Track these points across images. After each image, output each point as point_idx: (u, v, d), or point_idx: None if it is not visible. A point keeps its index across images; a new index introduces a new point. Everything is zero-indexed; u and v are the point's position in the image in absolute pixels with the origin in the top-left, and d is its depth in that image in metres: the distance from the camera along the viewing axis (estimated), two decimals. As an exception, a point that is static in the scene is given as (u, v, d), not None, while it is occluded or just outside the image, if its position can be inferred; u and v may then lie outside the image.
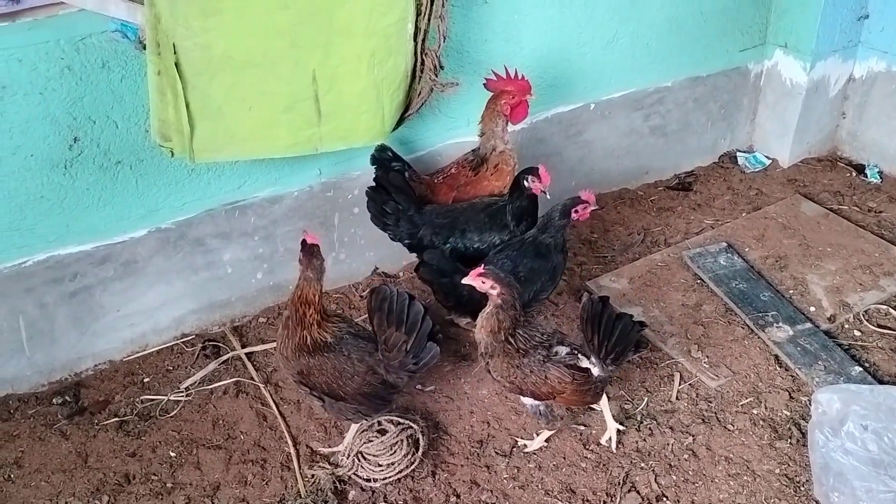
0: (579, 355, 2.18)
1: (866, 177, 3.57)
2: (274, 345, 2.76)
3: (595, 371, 2.16)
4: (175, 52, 2.13)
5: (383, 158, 2.74)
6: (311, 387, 2.22)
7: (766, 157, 3.72)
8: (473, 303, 2.35)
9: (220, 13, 2.15)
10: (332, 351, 2.19)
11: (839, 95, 3.61)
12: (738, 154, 3.75)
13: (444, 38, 2.56)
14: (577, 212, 2.47)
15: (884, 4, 3.36)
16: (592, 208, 2.49)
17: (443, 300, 2.68)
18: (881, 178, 3.55)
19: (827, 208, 3.35)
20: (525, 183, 2.56)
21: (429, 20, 2.49)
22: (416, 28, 2.49)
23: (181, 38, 2.13)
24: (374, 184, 2.69)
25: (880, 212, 3.35)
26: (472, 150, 2.85)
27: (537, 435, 2.37)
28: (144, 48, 2.17)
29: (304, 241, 2.18)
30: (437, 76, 2.58)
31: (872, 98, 3.54)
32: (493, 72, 2.72)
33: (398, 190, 2.66)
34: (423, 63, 2.55)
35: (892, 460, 2.20)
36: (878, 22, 3.41)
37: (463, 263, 2.53)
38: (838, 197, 3.46)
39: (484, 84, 2.76)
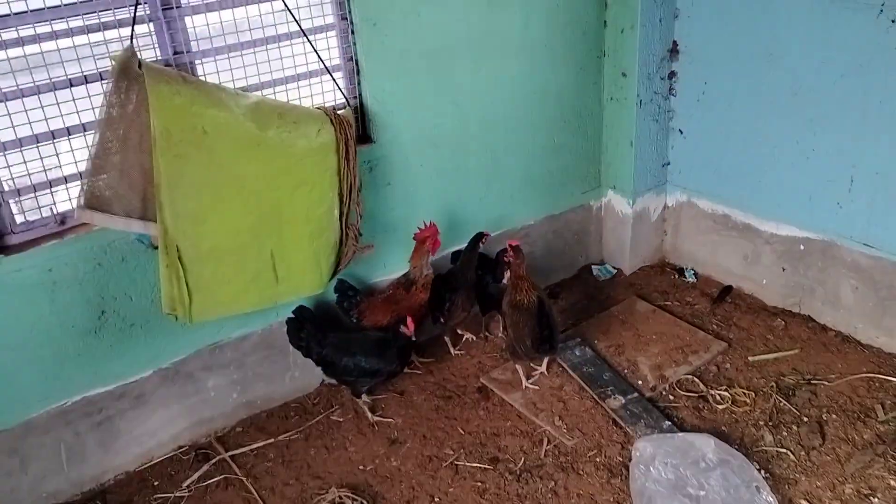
0: None
1: (685, 278, 4.77)
2: (250, 447, 3.70)
3: None
4: (178, 251, 3.15)
5: (343, 288, 3.86)
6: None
7: (614, 267, 4.90)
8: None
9: (205, 222, 3.18)
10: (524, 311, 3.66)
11: (659, 220, 4.84)
12: (592, 266, 4.92)
13: (361, 216, 3.64)
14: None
15: (678, 155, 4.63)
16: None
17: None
18: (696, 277, 4.76)
19: (655, 305, 4.52)
20: (401, 329, 3.61)
21: (349, 205, 3.58)
22: (341, 211, 3.57)
23: (181, 241, 3.15)
24: (292, 315, 3.72)
25: (694, 304, 4.53)
26: (404, 275, 3.94)
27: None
28: (155, 248, 3.18)
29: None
30: (357, 242, 3.67)
31: (682, 220, 4.78)
32: (424, 223, 3.87)
33: (308, 320, 3.70)
34: (347, 234, 3.63)
35: (683, 484, 3.23)
36: (677, 167, 4.68)
37: (354, 374, 3.67)
38: (665, 295, 4.63)
39: (414, 236, 3.87)
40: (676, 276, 4.80)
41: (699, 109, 4.42)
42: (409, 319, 3.62)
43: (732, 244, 4.53)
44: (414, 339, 3.64)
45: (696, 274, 4.77)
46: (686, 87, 4.45)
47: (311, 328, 3.69)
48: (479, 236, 4.05)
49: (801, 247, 4.16)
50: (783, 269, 4.30)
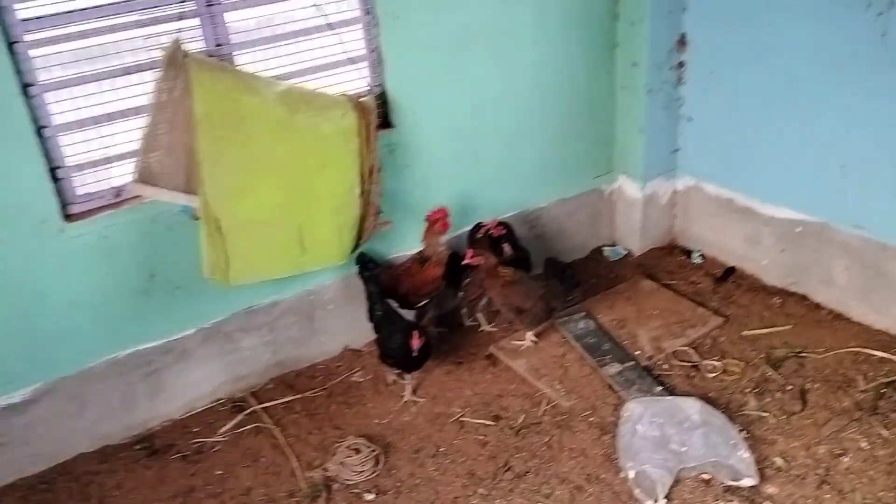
0: None
1: (693, 259, 5.02)
2: (280, 402, 4.11)
3: None
4: (217, 222, 3.56)
5: (364, 261, 4.22)
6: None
7: (624, 248, 5.18)
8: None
9: (241, 197, 3.57)
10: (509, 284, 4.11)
11: (668, 203, 5.09)
12: (603, 248, 5.19)
13: (380, 195, 3.99)
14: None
15: (687, 141, 4.88)
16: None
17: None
18: (703, 259, 5.00)
19: (660, 283, 4.79)
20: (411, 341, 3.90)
21: (370, 185, 3.95)
22: (362, 190, 3.93)
23: (220, 213, 3.55)
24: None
25: (698, 283, 4.77)
26: (419, 252, 4.27)
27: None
28: (197, 219, 3.60)
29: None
30: (376, 219, 4.03)
31: (691, 204, 5.03)
32: (436, 208, 4.17)
33: (373, 288, 4.12)
34: (367, 211, 4.00)
35: (667, 441, 3.52)
36: (686, 153, 4.92)
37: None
38: (671, 275, 4.88)
39: (426, 217, 4.19)
40: (684, 258, 5.05)
41: (706, 98, 4.67)
42: (416, 333, 3.87)
43: (736, 227, 4.76)
44: (416, 353, 3.89)
45: (703, 255, 5.02)
46: (694, 76, 4.69)
47: (375, 291, 4.12)
48: (476, 227, 4.37)
49: (798, 229, 4.39)
50: (782, 251, 4.53)
